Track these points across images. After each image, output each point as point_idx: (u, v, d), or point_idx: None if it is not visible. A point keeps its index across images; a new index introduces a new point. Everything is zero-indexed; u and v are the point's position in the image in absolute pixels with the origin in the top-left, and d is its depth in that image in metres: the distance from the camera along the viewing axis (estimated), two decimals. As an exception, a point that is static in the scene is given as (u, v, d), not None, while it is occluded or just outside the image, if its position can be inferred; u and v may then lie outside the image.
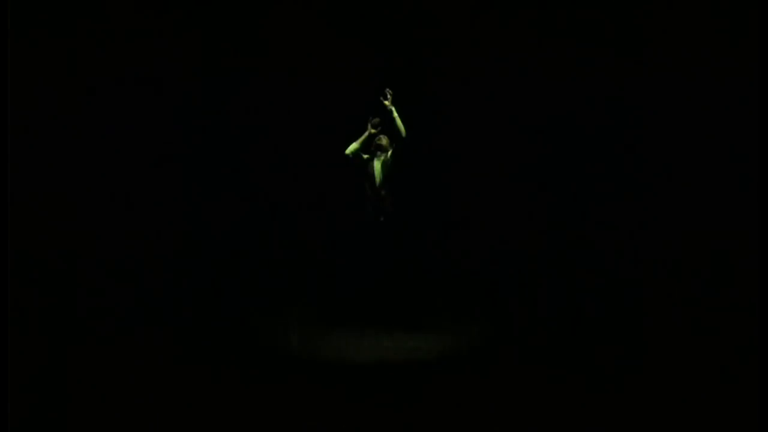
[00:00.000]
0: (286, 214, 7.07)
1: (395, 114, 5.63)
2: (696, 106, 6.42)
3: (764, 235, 5.38)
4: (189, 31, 6.69)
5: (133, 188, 6.71)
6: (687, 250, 6.40)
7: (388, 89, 5.68)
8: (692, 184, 6.48)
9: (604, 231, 6.76)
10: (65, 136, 6.48)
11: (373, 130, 5.76)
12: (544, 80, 6.76)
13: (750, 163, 5.88)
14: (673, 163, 6.56)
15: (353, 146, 5.72)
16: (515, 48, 6.72)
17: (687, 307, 5.91)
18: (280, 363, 5.06)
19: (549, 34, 6.65)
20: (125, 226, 6.66)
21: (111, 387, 4.45)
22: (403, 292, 5.93)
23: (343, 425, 4.08)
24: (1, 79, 5.04)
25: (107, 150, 6.62)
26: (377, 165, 5.74)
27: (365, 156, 5.76)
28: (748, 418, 4.09)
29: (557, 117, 6.82)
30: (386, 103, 5.66)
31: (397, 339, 5.50)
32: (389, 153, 5.74)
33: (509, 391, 4.51)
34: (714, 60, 6.31)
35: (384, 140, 5.72)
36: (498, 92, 6.82)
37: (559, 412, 4.20)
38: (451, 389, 4.56)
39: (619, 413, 4.18)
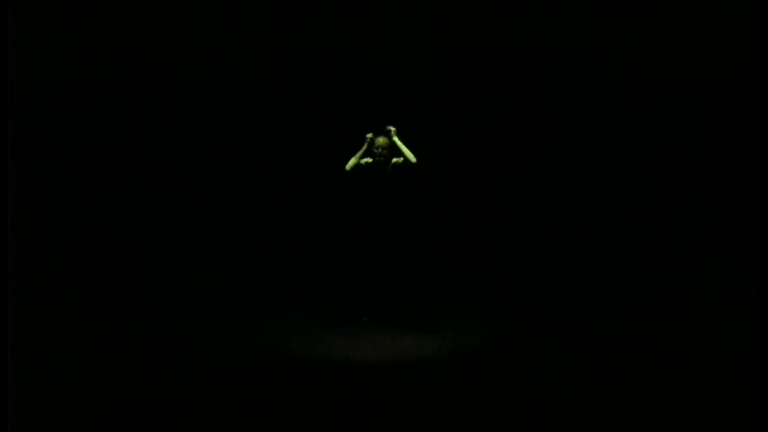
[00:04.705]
0: (287, 214, 7.08)
1: (400, 144, 5.67)
2: (695, 107, 6.44)
3: (764, 235, 5.38)
4: (189, 36, 6.71)
5: (134, 187, 6.72)
6: (686, 249, 6.41)
7: (389, 127, 5.70)
8: (691, 184, 6.49)
9: (603, 231, 6.77)
10: (63, 136, 6.49)
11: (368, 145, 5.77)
12: (541, 82, 6.77)
13: (750, 163, 5.89)
14: (672, 164, 6.57)
15: (352, 161, 5.72)
16: (514, 50, 6.74)
17: (687, 307, 5.92)
18: (280, 363, 5.06)
19: (549, 38, 6.67)
20: (124, 225, 6.67)
21: (110, 387, 4.45)
22: (403, 291, 5.93)
23: (343, 425, 4.08)
24: (1, 79, 5.03)
25: (108, 150, 6.63)
26: (380, 168, 5.75)
27: (364, 161, 5.75)
28: (748, 419, 4.09)
29: (556, 117, 6.83)
30: (395, 139, 5.69)
31: (397, 339, 5.51)
32: (393, 159, 5.74)
33: (509, 391, 4.51)
34: (714, 61, 6.33)
35: (381, 141, 5.71)
36: (497, 93, 6.83)
37: (559, 411, 4.20)
38: (451, 389, 4.57)
39: (619, 413, 4.18)
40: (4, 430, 3.90)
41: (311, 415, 4.16)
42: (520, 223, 6.97)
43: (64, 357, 4.95)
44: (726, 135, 6.34)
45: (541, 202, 6.94)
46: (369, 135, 5.72)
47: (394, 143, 5.71)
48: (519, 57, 6.74)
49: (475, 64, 6.80)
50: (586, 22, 6.60)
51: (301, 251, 7.06)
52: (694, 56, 6.40)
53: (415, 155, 5.65)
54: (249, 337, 5.53)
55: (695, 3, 6.32)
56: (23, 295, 5.71)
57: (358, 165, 5.73)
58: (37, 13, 6.23)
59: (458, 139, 6.93)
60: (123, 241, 6.65)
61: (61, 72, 6.42)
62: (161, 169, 6.80)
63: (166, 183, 6.80)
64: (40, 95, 6.35)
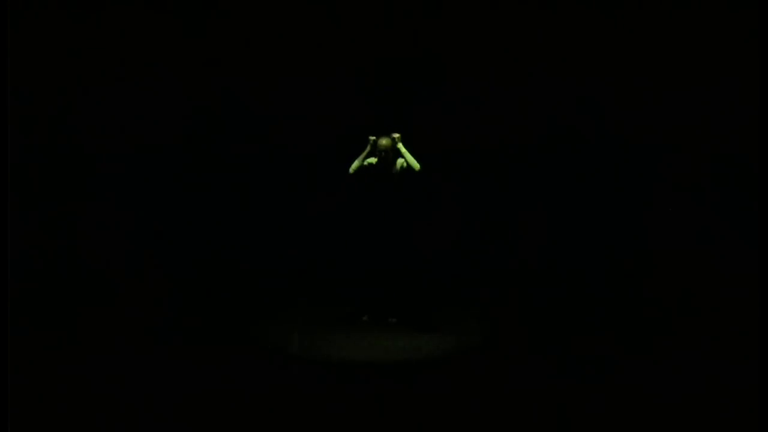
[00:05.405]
0: (287, 213, 7.08)
1: (404, 151, 5.67)
2: (696, 107, 6.44)
3: (764, 236, 5.38)
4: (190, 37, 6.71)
5: (134, 186, 6.72)
6: (687, 249, 6.41)
7: (393, 135, 5.69)
8: (692, 184, 6.49)
9: (603, 231, 6.78)
10: (62, 136, 6.49)
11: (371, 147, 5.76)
12: (542, 83, 6.77)
13: (750, 164, 5.89)
14: (673, 163, 6.57)
15: (355, 164, 5.73)
16: (515, 51, 6.74)
17: (688, 306, 5.92)
18: (280, 363, 5.06)
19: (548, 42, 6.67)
20: (125, 225, 6.67)
21: (110, 386, 4.45)
22: (403, 291, 5.93)
23: (343, 425, 4.08)
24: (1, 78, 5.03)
25: (112, 148, 6.63)
26: (384, 168, 5.75)
27: (367, 162, 5.75)
28: (749, 419, 4.09)
29: (557, 117, 6.83)
30: (399, 146, 5.69)
31: (397, 339, 5.51)
32: (399, 161, 5.74)
33: (509, 391, 4.51)
34: (714, 62, 6.34)
35: (384, 142, 5.69)
36: (498, 94, 6.83)
37: (559, 411, 4.20)
38: (451, 389, 4.56)
39: (619, 413, 4.18)
40: (4, 430, 3.91)
41: (311, 415, 4.16)
42: (521, 224, 6.97)
43: (64, 354, 4.95)
44: (726, 135, 6.34)
45: (541, 202, 6.94)
46: (372, 138, 5.73)
47: (398, 150, 5.70)
48: (519, 58, 6.73)
49: (476, 66, 6.80)
50: (584, 24, 6.60)
51: (302, 251, 7.06)
52: (691, 55, 6.40)
53: (419, 161, 5.66)
54: (249, 337, 5.53)
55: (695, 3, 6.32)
56: (23, 293, 5.71)
57: (361, 167, 5.74)
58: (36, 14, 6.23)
59: (460, 141, 6.93)
60: (123, 240, 6.65)
61: (63, 72, 6.43)
62: (164, 169, 6.80)
63: (168, 183, 6.81)
64: (41, 95, 6.35)
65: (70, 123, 6.52)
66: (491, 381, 4.69)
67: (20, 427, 3.95)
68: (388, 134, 5.72)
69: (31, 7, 6.23)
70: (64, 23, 6.37)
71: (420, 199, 6.32)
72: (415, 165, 5.66)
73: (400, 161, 5.75)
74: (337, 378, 4.80)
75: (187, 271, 6.71)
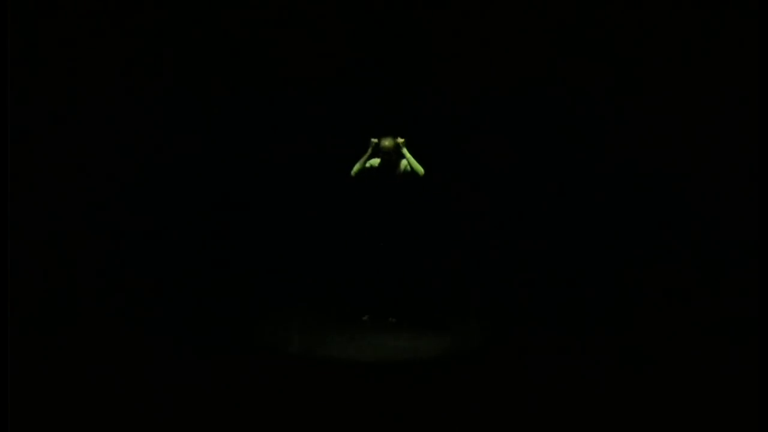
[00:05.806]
0: (287, 213, 7.09)
1: (408, 156, 5.67)
2: (695, 107, 6.45)
3: (764, 236, 5.38)
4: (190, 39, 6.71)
5: (134, 186, 6.72)
6: (687, 249, 6.41)
7: (398, 139, 5.69)
8: (692, 184, 6.50)
9: (603, 229, 6.78)
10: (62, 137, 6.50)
11: (372, 150, 5.77)
12: (546, 87, 6.78)
13: (750, 164, 5.90)
14: (674, 163, 6.58)
15: (357, 166, 5.74)
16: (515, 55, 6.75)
17: (688, 306, 5.92)
18: (280, 363, 5.06)
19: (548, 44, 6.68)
20: (125, 225, 6.67)
21: (109, 386, 4.45)
22: (404, 292, 5.93)
23: (343, 425, 4.08)
24: (1, 78, 5.03)
25: (112, 150, 6.63)
26: (388, 169, 5.75)
27: (370, 164, 5.75)
28: (748, 419, 4.09)
29: (556, 118, 6.84)
30: (403, 151, 5.69)
31: (397, 339, 5.51)
32: (402, 163, 5.74)
33: (509, 391, 4.51)
34: (714, 63, 6.34)
35: (387, 143, 5.69)
36: (501, 97, 6.84)
37: (559, 411, 4.20)
38: (451, 389, 4.57)
39: (619, 413, 4.18)
40: (4, 430, 3.91)
41: (311, 415, 4.16)
42: (520, 225, 6.97)
43: (64, 356, 4.95)
44: (726, 134, 6.34)
45: (543, 205, 6.94)
46: (374, 140, 5.73)
47: (402, 154, 5.70)
48: (523, 60, 6.73)
49: (480, 68, 6.80)
50: (585, 25, 6.61)
51: (303, 252, 7.07)
52: (691, 55, 6.41)
53: (422, 165, 5.66)
54: (249, 338, 5.53)
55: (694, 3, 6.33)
56: (23, 294, 5.71)
57: (363, 169, 5.74)
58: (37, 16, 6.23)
59: (461, 143, 6.94)
60: (124, 241, 6.65)
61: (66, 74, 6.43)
62: (164, 170, 6.80)
63: (168, 184, 6.81)
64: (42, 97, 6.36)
65: (69, 125, 6.52)
66: (491, 381, 4.70)
67: (20, 427, 3.95)
68: (391, 136, 5.72)
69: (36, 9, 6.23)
70: (65, 24, 6.37)
71: (422, 201, 6.32)
72: (419, 169, 5.66)
73: (403, 163, 5.74)
74: (337, 378, 4.80)
75: (188, 272, 6.71)
